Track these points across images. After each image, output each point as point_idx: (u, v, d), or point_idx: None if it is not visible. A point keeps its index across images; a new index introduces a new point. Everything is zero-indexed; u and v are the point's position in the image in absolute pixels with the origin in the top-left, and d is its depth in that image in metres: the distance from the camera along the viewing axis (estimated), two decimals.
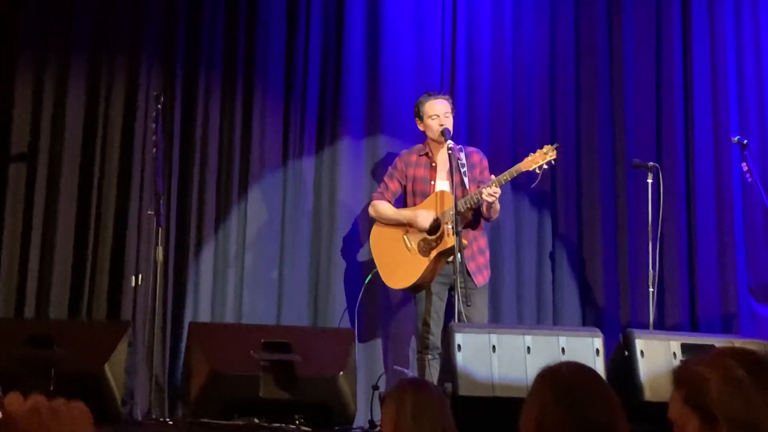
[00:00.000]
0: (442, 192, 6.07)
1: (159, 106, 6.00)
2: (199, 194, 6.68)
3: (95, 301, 6.46)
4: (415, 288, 6.10)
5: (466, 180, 6.02)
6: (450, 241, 5.80)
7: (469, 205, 5.93)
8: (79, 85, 6.61)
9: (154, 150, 5.97)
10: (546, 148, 6.00)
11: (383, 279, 6.21)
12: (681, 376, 2.07)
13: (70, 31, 6.65)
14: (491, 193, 5.85)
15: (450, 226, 5.82)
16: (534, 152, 6.02)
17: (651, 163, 6.63)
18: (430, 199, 6.12)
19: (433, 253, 5.99)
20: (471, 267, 6.00)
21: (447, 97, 6.34)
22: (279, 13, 6.94)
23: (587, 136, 7.35)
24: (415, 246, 6.07)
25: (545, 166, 5.98)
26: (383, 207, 6.27)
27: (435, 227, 6.02)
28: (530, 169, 5.96)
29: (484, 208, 6.05)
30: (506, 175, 5.94)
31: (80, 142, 6.58)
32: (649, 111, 7.45)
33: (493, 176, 6.01)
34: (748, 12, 7.64)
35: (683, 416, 2.03)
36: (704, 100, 7.46)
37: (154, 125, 6.01)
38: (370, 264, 6.49)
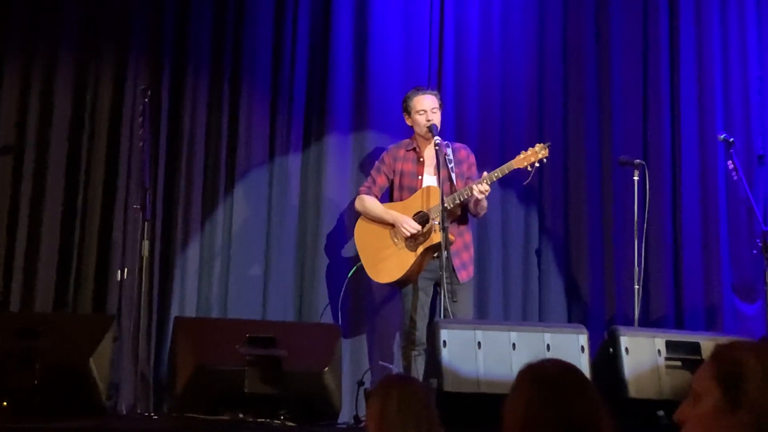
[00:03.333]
0: (429, 187, 6.08)
1: (146, 100, 5.97)
2: (186, 189, 6.67)
3: (81, 295, 6.45)
4: (402, 282, 6.10)
5: (453, 176, 6.03)
6: (437, 237, 5.80)
7: (457, 202, 5.93)
8: (66, 79, 6.59)
9: (141, 144, 5.95)
10: (538, 146, 6.01)
11: (368, 273, 6.21)
12: (721, 354, 2.05)
13: (58, 25, 6.63)
14: (482, 190, 5.85)
15: (437, 222, 5.82)
16: (525, 150, 6.03)
17: (637, 160, 6.65)
18: (417, 194, 6.12)
19: (420, 249, 5.99)
20: (456, 263, 6.00)
21: (435, 92, 6.34)
22: (267, 9, 6.93)
23: (574, 133, 7.37)
24: (401, 241, 6.07)
25: (537, 164, 5.99)
26: (371, 203, 6.26)
27: (422, 222, 6.02)
28: (522, 166, 5.97)
29: (471, 205, 6.05)
30: (497, 172, 5.94)
31: (67, 135, 6.56)
32: (635, 108, 7.48)
33: (485, 173, 6.01)
34: (734, 11, 7.69)
35: (706, 388, 2.02)
36: (690, 98, 7.50)
37: (141, 119, 5.99)
38: (356, 259, 6.48)
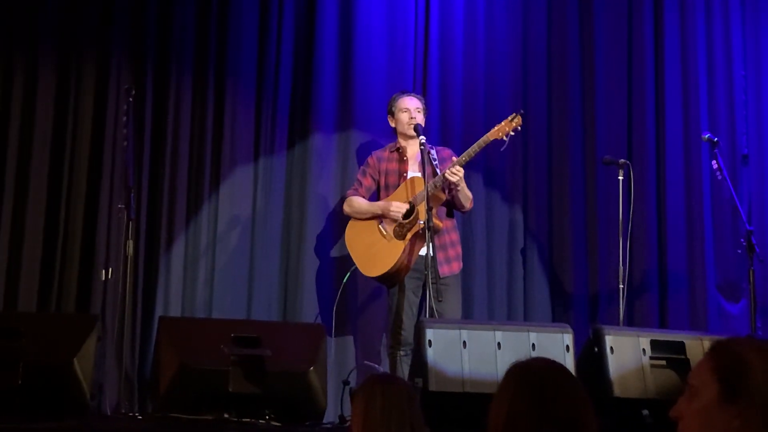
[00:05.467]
0: (413, 178, 6.10)
1: (130, 99, 5.96)
2: (170, 188, 6.65)
3: (64, 295, 6.42)
4: (393, 276, 6.07)
5: (438, 172, 6.04)
6: (423, 216, 5.80)
7: (438, 185, 5.93)
8: (49, 78, 6.55)
9: (125, 143, 5.93)
10: (511, 116, 6.04)
11: (361, 270, 6.19)
12: (719, 349, 2.05)
13: (39, 23, 6.59)
14: (454, 171, 5.88)
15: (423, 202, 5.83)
16: (500, 122, 6.06)
17: (622, 159, 6.65)
18: (402, 186, 6.14)
19: (409, 235, 5.99)
20: (439, 257, 5.99)
21: (420, 96, 6.42)
22: (251, 7, 6.91)
23: (559, 132, 7.38)
24: (390, 231, 6.08)
25: (512, 134, 6.02)
26: (357, 201, 6.27)
27: (409, 211, 6.03)
28: (498, 137, 6.01)
29: (455, 195, 6.05)
30: (475, 147, 5.98)
31: (50, 135, 6.52)
32: (620, 108, 7.50)
33: (454, 157, 6.06)
34: (718, 11, 7.70)
35: (704, 382, 2.02)
36: (675, 97, 7.51)
37: (124, 118, 5.97)
38: (341, 259, 6.49)
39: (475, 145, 5.98)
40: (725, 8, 7.72)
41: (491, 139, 6.01)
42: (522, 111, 6.11)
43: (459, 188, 6.00)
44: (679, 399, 2.08)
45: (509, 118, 6.04)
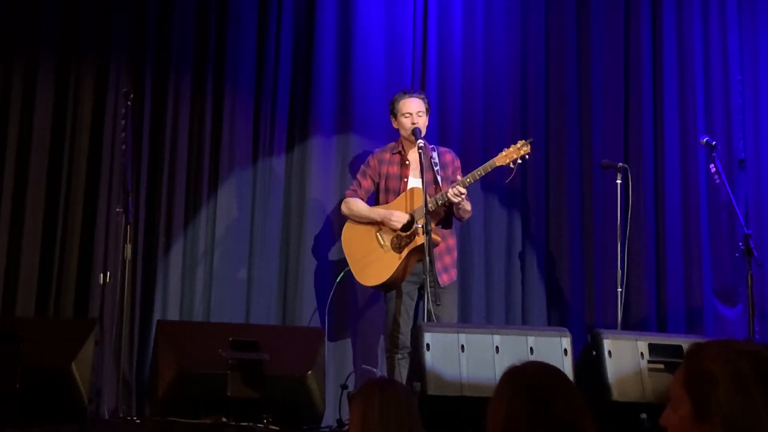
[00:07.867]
0: (414, 189, 6.08)
1: (128, 103, 5.95)
2: (169, 192, 6.64)
3: (63, 299, 6.40)
4: (388, 286, 6.09)
5: (439, 178, 6.04)
6: (421, 239, 5.79)
7: (440, 203, 5.93)
8: (48, 82, 6.55)
9: (123, 147, 5.93)
10: (520, 143, 6.03)
11: (355, 276, 6.19)
12: (689, 362, 2.05)
13: (38, 27, 6.58)
14: (456, 193, 5.87)
15: (420, 226, 5.82)
16: (508, 147, 6.04)
17: (620, 163, 6.66)
18: (401, 197, 6.12)
19: (405, 251, 5.98)
20: (437, 266, 5.98)
21: (422, 96, 6.34)
22: (250, 11, 6.91)
23: (556, 136, 7.38)
24: (388, 243, 6.07)
25: (519, 161, 6.01)
26: (357, 204, 6.26)
27: (408, 224, 6.02)
28: (505, 164, 5.99)
29: (454, 208, 6.06)
30: (480, 171, 5.95)
31: (49, 138, 6.51)
32: (617, 112, 7.51)
33: (459, 177, 6.03)
34: (715, 16, 7.72)
35: (678, 397, 2.02)
36: (672, 102, 7.53)
37: (123, 122, 5.96)
38: (341, 263, 6.48)
39: (480, 168, 5.97)
40: (722, 13, 7.74)
41: (498, 164, 5.99)
42: (531, 139, 6.10)
43: (460, 206, 6.00)
44: (667, 407, 2.08)
45: (518, 144, 6.01)
